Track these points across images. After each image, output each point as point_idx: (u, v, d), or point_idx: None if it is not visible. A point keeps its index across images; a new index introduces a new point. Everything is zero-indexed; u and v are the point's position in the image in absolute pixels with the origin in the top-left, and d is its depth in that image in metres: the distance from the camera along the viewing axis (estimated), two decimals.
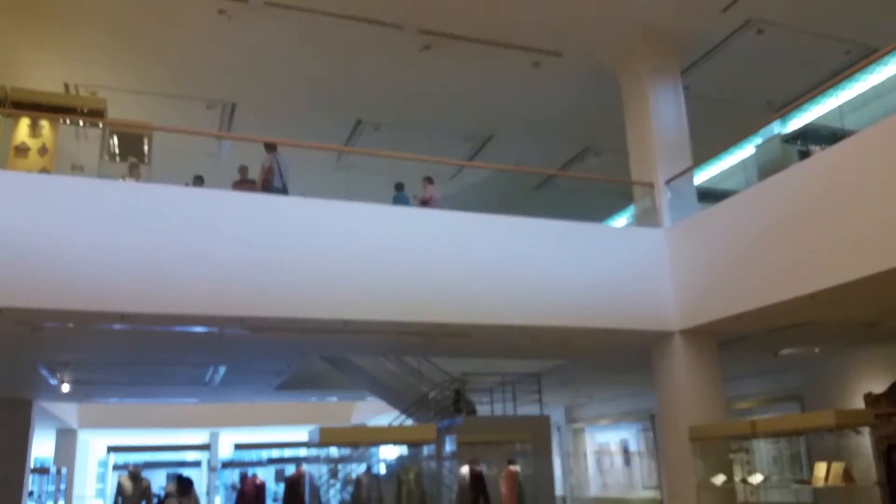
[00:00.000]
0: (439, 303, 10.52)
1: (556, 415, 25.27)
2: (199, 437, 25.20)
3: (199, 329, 10.23)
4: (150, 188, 9.75)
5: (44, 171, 10.20)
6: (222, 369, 15.40)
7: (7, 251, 8.39)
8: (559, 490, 23.54)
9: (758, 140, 12.95)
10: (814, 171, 9.76)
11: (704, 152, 12.57)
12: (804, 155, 11.00)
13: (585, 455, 25.78)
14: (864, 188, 8.77)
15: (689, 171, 12.33)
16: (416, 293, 10.43)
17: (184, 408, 23.77)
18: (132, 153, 11.39)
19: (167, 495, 9.28)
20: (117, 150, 11.95)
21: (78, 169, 11.17)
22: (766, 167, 11.53)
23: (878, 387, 14.73)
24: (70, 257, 8.64)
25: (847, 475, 9.80)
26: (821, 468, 10.20)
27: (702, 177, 14.45)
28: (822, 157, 10.09)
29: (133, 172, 10.67)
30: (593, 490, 24.86)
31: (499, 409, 16.56)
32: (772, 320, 11.16)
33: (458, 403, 15.85)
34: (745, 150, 13.54)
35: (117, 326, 9.41)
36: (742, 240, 10.67)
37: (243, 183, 10.74)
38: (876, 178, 8.62)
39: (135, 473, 10.42)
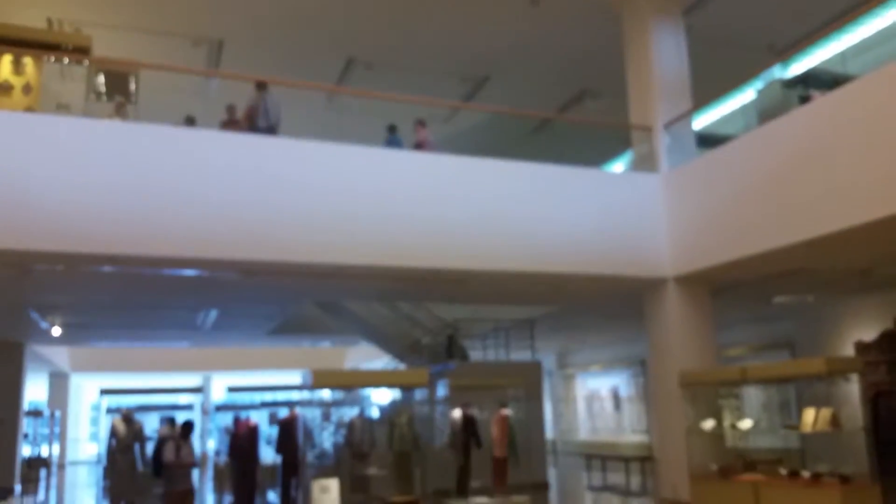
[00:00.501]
0: (434, 248, 10.43)
1: (548, 361, 25.52)
2: (191, 380, 25.42)
3: (189, 272, 10.12)
4: (139, 128, 9.51)
5: (29, 109, 9.92)
6: (214, 313, 15.38)
7: None
8: (549, 434, 23.93)
9: (759, 84, 12.72)
10: (813, 116, 9.61)
11: (704, 96, 12.35)
12: (805, 100, 10.78)
13: (576, 400, 26.14)
14: (863, 135, 8.64)
15: (688, 114, 12.14)
16: (410, 238, 10.32)
17: (176, 352, 23.90)
18: (118, 92, 11.08)
19: (167, 438, 9.27)
20: (103, 89, 11.64)
21: (64, 108, 10.87)
22: (766, 112, 11.32)
23: (869, 335, 14.85)
24: (58, 198, 8.47)
25: (835, 421, 9.93)
26: (809, 414, 10.33)
27: (701, 121, 14.23)
28: (822, 102, 9.90)
29: (120, 112, 10.39)
30: (583, 434, 25.29)
31: (491, 355, 16.68)
32: (766, 267, 11.14)
33: (451, 349, 15.92)
34: (746, 95, 13.30)
35: (106, 269, 9.29)
36: (739, 186, 10.56)
37: (231, 123, 10.48)
38: (876, 124, 8.48)
39: (128, 416, 10.43)
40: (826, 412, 10.07)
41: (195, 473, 9.36)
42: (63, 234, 8.42)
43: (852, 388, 10.38)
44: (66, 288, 11.45)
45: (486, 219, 10.77)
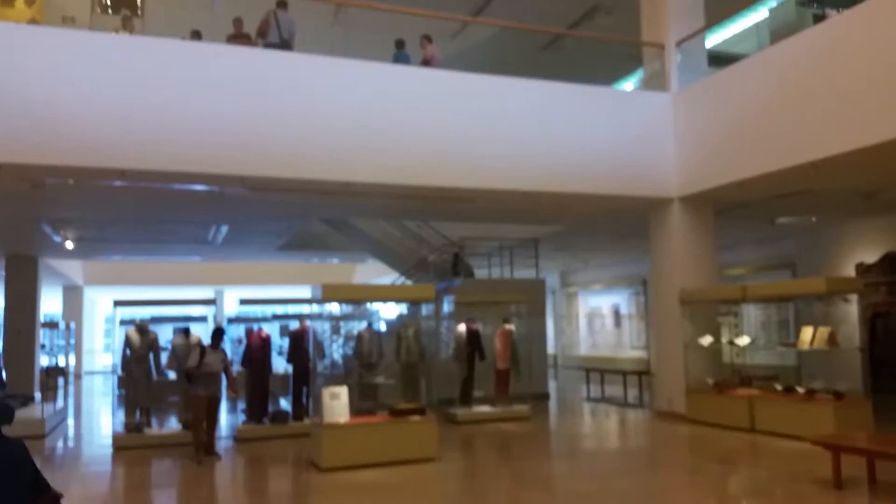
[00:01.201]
0: (442, 166, 10.49)
1: (552, 280, 25.87)
2: (204, 294, 25.93)
3: (199, 187, 10.25)
4: (147, 41, 9.44)
5: (33, 22, 9.84)
6: (224, 229, 15.57)
7: (3, 107, 8.27)
8: (551, 349, 24.51)
9: (772, 2, 12.44)
10: (827, 35, 9.44)
11: (718, 14, 12.11)
12: (819, 19, 10.57)
13: (578, 317, 26.67)
14: (876, 55, 8.51)
15: (700, 32, 11.93)
16: (417, 156, 10.37)
17: (188, 266, 24.26)
18: (125, 5, 10.96)
19: (194, 346, 9.54)
20: (109, 2, 11.48)
21: (69, 20, 10.77)
22: (779, 31, 11.14)
23: (870, 257, 15.01)
24: (67, 113, 8.52)
25: (832, 339, 10.21)
26: (807, 332, 10.60)
27: (714, 40, 13.98)
28: (836, 21, 9.73)
29: (126, 25, 10.28)
30: (583, 350, 25.91)
31: (496, 273, 16.93)
32: (772, 188, 11.19)
33: (457, 267, 16.18)
34: (759, 13, 13.02)
35: (117, 183, 9.42)
36: (748, 106, 10.50)
37: (238, 37, 10.35)
38: (891, 45, 8.36)
39: (142, 327, 10.72)
40: (824, 331, 10.33)
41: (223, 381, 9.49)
42: (73, 148, 8.52)
43: (851, 309, 10.61)
44: (78, 202, 11.61)
45: (493, 137, 10.78)
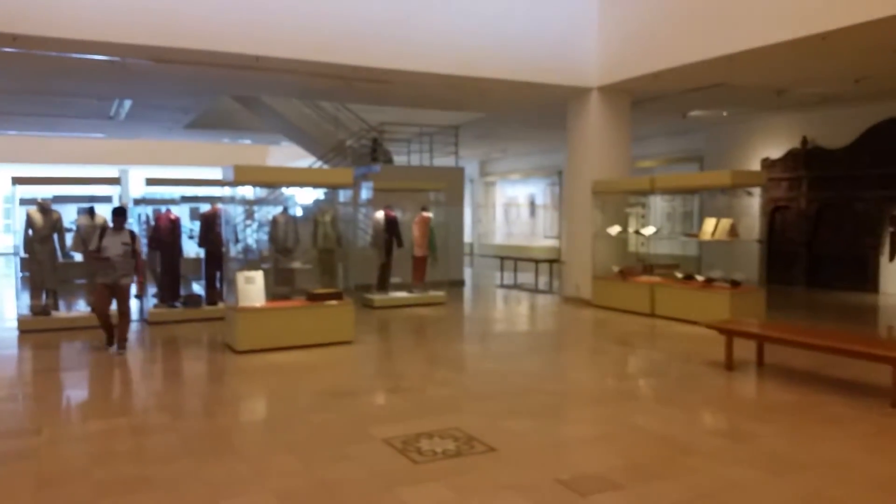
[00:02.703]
0: (358, 44, 10.12)
1: (471, 168, 25.94)
2: (109, 173, 24.70)
3: (99, 57, 9.56)
4: None
5: None
6: (127, 103, 14.72)
7: None
8: (468, 237, 24.91)
9: None
10: None
11: None
12: None
13: (495, 207, 27.06)
14: None
15: None
16: (333, 32, 9.95)
17: (91, 143, 22.99)
18: None
19: (95, 228, 8.89)
20: None
21: None
22: None
23: (775, 153, 15.67)
24: None
25: (733, 231, 10.74)
26: (709, 223, 11.12)
27: None
28: None
29: None
30: (499, 238, 26.49)
31: (416, 161, 16.80)
32: (687, 81, 11.38)
33: (376, 152, 15.95)
34: None
35: (8, 49, 8.66)
36: None
37: None
38: None
39: (44, 206, 10.18)
40: (726, 222, 10.85)
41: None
42: None
43: (754, 202, 11.14)
44: None
45: (411, 17, 10.44)
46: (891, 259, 13.55)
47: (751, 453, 4.70)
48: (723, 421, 5.68)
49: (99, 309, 8.26)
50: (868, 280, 13.86)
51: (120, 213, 8.22)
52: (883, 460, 4.56)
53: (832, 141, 14.47)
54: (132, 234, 8.37)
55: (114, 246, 8.09)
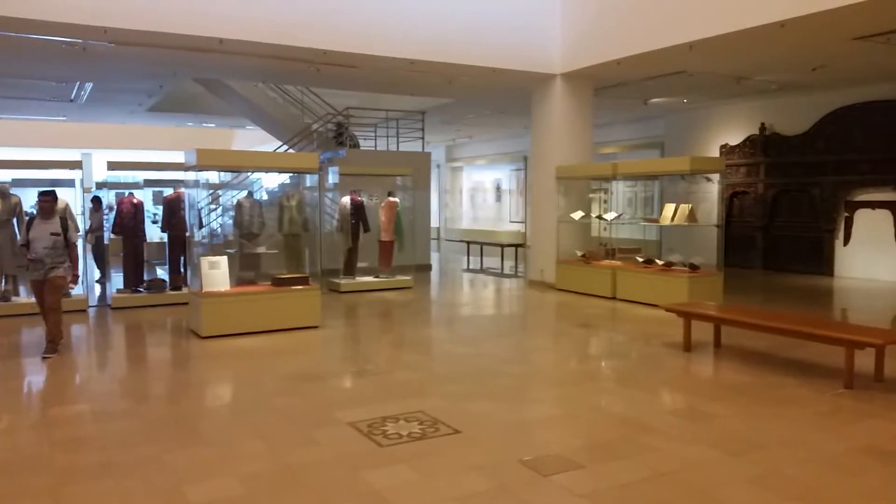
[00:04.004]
0: (324, 28, 10.06)
1: (437, 154, 25.95)
2: (70, 156, 24.16)
3: (58, 39, 9.36)
4: None
5: None
6: (89, 86, 14.42)
7: None
8: (435, 222, 24.99)
9: None
10: None
11: None
12: None
13: (461, 191, 27.13)
14: None
15: None
16: (299, 15, 9.87)
17: (52, 126, 22.45)
18: None
19: (28, 217, 8.20)
20: None
21: None
22: None
23: (734, 139, 15.97)
24: None
25: (692, 216, 10.96)
26: (669, 208, 11.32)
27: None
28: None
29: None
30: (465, 223, 26.59)
31: (382, 146, 16.76)
32: (649, 68, 11.53)
33: (341, 137, 15.87)
34: None
35: None
36: None
37: None
38: None
39: (3, 190, 9.96)
40: (685, 207, 11.06)
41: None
42: None
43: (713, 187, 11.35)
44: None
45: (378, 1, 10.41)
46: (845, 243, 13.94)
47: (708, 433, 4.86)
48: (681, 401, 5.84)
49: (41, 305, 7.57)
50: (823, 264, 14.25)
51: (47, 196, 7.19)
52: (836, 439, 4.74)
53: (789, 128, 14.79)
54: (64, 220, 7.39)
55: (41, 238, 7.19)
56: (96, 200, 12.47)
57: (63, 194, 10.40)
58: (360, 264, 12.93)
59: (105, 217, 11.75)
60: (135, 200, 10.86)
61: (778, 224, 15.26)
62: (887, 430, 4.91)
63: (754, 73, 12.25)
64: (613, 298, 11.19)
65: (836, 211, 14.01)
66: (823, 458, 4.36)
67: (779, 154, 15.00)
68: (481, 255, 17.03)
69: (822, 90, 13.65)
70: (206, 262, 8.41)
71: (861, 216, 13.68)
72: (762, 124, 15.29)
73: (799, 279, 13.85)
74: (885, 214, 13.20)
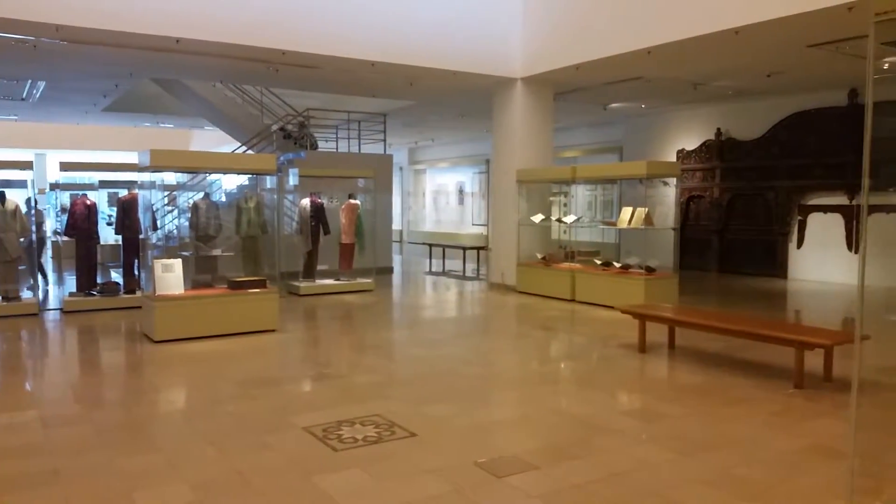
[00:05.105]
0: (284, 28, 9.96)
1: (400, 156, 25.91)
2: (23, 157, 23.54)
3: (8, 35, 9.12)
4: None
5: None
6: (41, 85, 14.08)
7: None
8: (398, 225, 24.92)
9: None
10: None
11: None
12: None
13: (424, 194, 27.12)
14: None
15: None
16: (259, 15, 9.77)
17: (4, 126, 21.88)
18: None
19: None
20: None
21: None
22: None
23: (691, 144, 16.24)
24: None
25: (648, 219, 11.11)
26: (627, 212, 11.46)
27: None
28: None
29: None
30: (428, 225, 26.59)
31: (343, 147, 16.66)
32: (608, 73, 11.67)
33: (302, 138, 15.73)
34: None
35: None
36: None
37: None
38: None
39: None
40: (641, 211, 11.21)
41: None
42: None
43: (670, 191, 11.53)
44: None
45: (338, 1, 10.35)
46: (799, 246, 14.27)
47: (661, 433, 4.92)
48: (635, 402, 5.91)
49: None
50: (777, 266, 14.56)
51: None
52: (786, 438, 4.83)
53: (745, 133, 15.09)
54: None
55: None
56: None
57: (14, 195, 10.19)
58: (320, 267, 12.83)
59: (58, 219, 11.47)
60: (88, 202, 10.63)
61: (733, 227, 15.55)
62: (835, 428, 5.02)
63: (711, 78, 12.48)
64: (573, 301, 11.29)
65: (789, 215, 14.33)
66: (774, 458, 4.44)
67: (734, 159, 15.29)
68: (444, 258, 17.04)
69: (777, 96, 13.96)
70: (159, 264, 8.26)
71: (814, 220, 14.01)
72: (718, 129, 15.57)
73: (753, 281, 14.13)
74: (837, 218, 13.53)
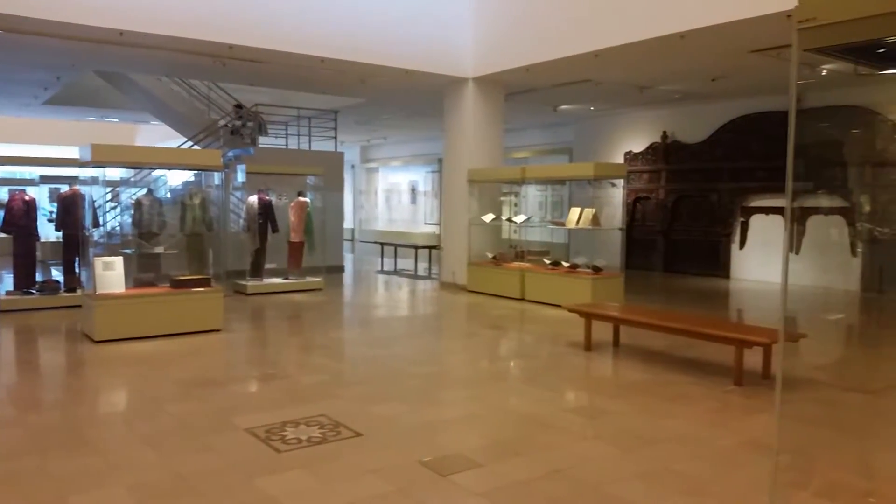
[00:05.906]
0: (230, 22, 9.81)
1: (352, 154, 25.76)
2: None
3: None
4: None
5: None
6: None
7: None
8: (349, 223, 24.77)
9: None
10: None
11: None
12: None
13: (377, 193, 27.01)
14: None
15: None
16: (204, 7, 9.59)
17: None
18: None
19: None
20: None
21: None
22: None
23: (638, 146, 16.54)
24: None
25: (595, 219, 11.27)
26: (575, 212, 11.61)
27: None
28: None
29: None
30: (381, 224, 26.49)
31: (293, 144, 16.47)
32: (557, 75, 11.80)
33: (251, 134, 15.48)
34: None
35: None
36: None
37: None
38: None
39: None
40: (589, 212, 11.37)
41: None
42: None
43: (617, 193, 11.72)
44: None
45: None
46: (741, 247, 14.65)
47: (604, 430, 5.00)
48: (581, 399, 5.99)
49: None
50: (720, 266, 14.92)
51: None
52: (725, 434, 4.95)
53: (690, 136, 15.43)
54: None
55: None
56: None
57: None
58: (267, 265, 12.66)
59: None
60: (27, 197, 10.29)
61: (678, 228, 15.88)
62: (771, 425, 5.15)
63: (657, 82, 12.72)
64: (522, 300, 11.38)
65: (732, 216, 14.70)
66: (712, 453, 4.55)
67: (679, 161, 15.62)
68: (395, 257, 17.00)
69: (721, 100, 14.30)
70: (100, 262, 8.04)
71: (756, 221, 14.40)
72: (664, 132, 15.88)
73: (697, 281, 14.46)
74: (778, 219, 13.93)
